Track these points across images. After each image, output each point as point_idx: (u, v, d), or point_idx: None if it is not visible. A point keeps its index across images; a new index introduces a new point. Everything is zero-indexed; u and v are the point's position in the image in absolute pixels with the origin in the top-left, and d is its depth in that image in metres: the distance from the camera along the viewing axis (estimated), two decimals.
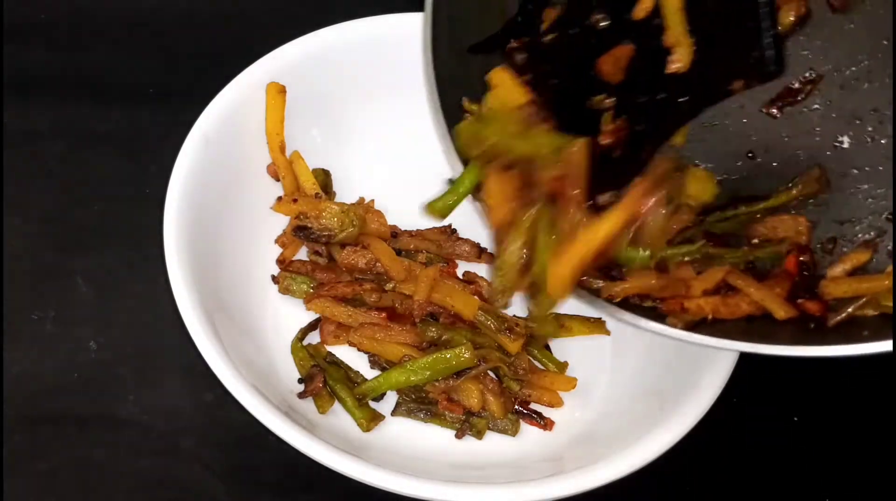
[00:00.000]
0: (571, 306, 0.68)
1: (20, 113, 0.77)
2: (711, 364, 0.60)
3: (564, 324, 0.68)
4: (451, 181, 0.59)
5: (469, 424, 0.63)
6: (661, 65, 0.56)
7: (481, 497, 0.55)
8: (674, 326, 0.55)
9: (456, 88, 0.60)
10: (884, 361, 0.70)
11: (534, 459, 0.63)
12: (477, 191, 0.57)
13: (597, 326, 0.68)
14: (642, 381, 0.65)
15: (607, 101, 0.57)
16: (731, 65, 0.56)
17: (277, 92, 0.69)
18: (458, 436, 0.63)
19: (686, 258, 0.56)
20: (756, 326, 0.55)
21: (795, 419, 0.68)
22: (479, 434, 0.64)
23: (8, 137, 0.75)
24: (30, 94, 0.78)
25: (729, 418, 0.61)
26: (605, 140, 0.57)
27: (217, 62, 0.73)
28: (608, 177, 0.55)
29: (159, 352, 0.67)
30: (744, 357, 0.60)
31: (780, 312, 0.54)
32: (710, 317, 0.55)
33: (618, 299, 0.56)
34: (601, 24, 0.57)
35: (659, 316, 0.56)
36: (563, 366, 0.67)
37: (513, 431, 0.64)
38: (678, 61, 0.56)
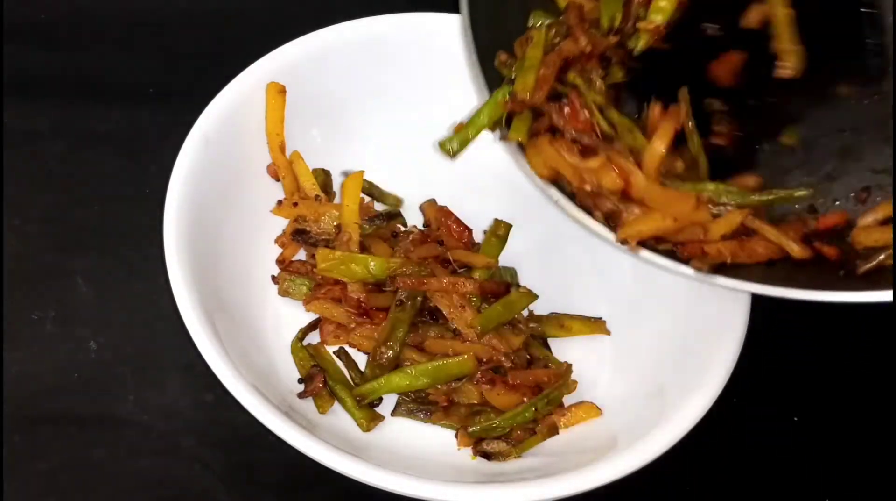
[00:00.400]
0: (573, 306, 0.69)
1: (20, 113, 0.77)
2: (711, 364, 0.60)
3: (564, 324, 0.68)
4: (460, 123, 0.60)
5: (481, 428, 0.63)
6: (769, 71, 0.59)
7: (481, 497, 0.55)
8: (699, 269, 0.55)
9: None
10: (884, 361, 0.71)
11: (533, 459, 0.63)
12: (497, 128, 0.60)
13: (597, 326, 0.68)
14: (642, 381, 0.65)
15: (716, 103, 0.59)
16: (836, 70, 0.59)
17: (277, 92, 0.69)
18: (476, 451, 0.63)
19: (724, 201, 0.57)
20: (779, 271, 0.55)
21: (795, 419, 0.68)
22: (502, 456, 0.63)
23: (8, 137, 0.75)
24: (30, 94, 0.78)
25: (729, 418, 0.61)
26: (717, 141, 0.59)
27: (217, 62, 0.73)
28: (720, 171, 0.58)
29: (159, 352, 0.67)
30: (744, 357, 0.60)
31: (796, 249, 0.54)
32: (728, 261, 0.55)
33: (634, 242, 0.56)
34: (710, 32, 0.61)
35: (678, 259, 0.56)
36: (565, 369, 0.66)
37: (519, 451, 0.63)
38: (789, 68, 0.59)
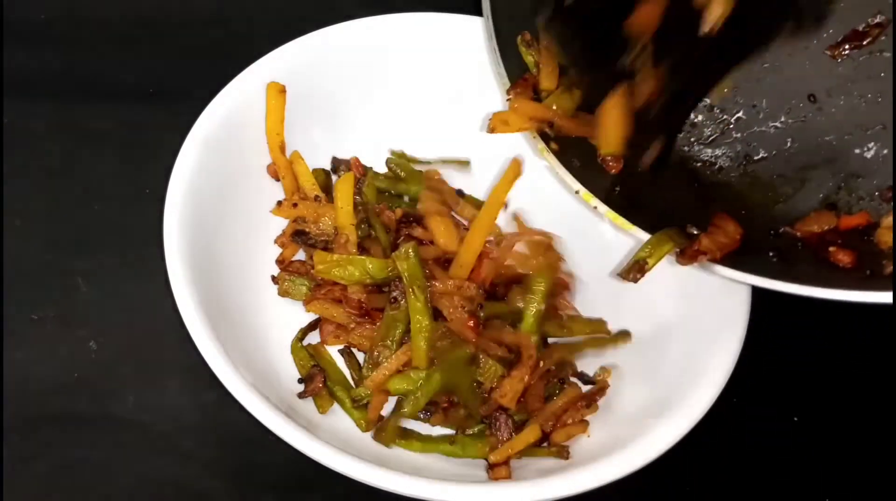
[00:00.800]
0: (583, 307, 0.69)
1: (20, 113, 0.77)
2: (712, 364, 0.60)
3: (565, 324, 0.68)
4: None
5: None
6: (694, 23, 0.56)
7: (481, 497, 0.55)
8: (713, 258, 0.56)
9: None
10: (884, 361, 0.71)
11: (533, 459, 0.63)
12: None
13: (597, 326, 0.68)
14: (642, 381, 0.65)
15: (637, 60, 0.57)
16: (769, 17, 0.56)
17: (277, 92, 0.69)
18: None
19: None
20: (800, 268, 0.55)
21: (795, 419, 0.68)
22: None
23: (8, 137, 0.75)
24: (30, 94, 0.78)
25: (729, 418, 0.61)
26: (640, 101, 0.58)
27: (217, 62, 0.73)
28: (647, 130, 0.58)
29: (159, 352, 0.67)
30: (744, 357, 0.60)
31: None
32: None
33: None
34: None
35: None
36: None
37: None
38: (712, 20, 0.56)
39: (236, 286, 0.66)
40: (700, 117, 0.62)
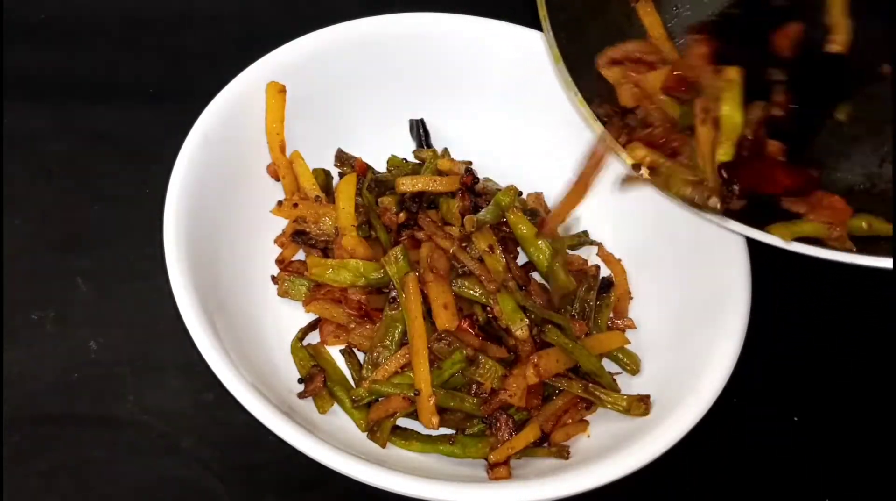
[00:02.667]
0: None
1: (20, 113, 0.77)
2: (711, 365, 0.60)
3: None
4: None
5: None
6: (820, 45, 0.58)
7: (481, 497, 0.55)
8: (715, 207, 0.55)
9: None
10: (884, 361, 0.71)
11: (532, 459, 0.63)
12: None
13: (618, 340, 0.68)
14: (642, 381, 0.65)
15: (777, 73, 0.59)
16: (884, 49, 0.57)
17: (277, 92, 0.69)
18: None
19: None
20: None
21: (795, 419, 0.68)
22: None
23: (8, 137, 0.75)
24: (30, 94, 0.78)
25: (729, 418, 0.61)
26: (774, 111, 0.58)
27: (217, 62, 0.73)
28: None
29: (159, 352, 0.67)
30: (744, 357, 0.60)
31: None
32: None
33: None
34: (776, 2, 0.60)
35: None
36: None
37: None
38: (838, 42, 0.57)
39: (236, 286, 0.66)
40: None
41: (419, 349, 0.61)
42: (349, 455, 0.55)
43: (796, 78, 0.59)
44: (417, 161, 0.73)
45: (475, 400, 0.62)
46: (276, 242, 0.70)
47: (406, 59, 0.73)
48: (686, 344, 0.64)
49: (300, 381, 0.65)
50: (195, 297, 0.59)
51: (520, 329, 0.62)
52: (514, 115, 0.75)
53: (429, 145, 0.74)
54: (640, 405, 0.61)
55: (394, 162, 0.73)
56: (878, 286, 0.61)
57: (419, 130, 0.74)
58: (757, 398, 0.67)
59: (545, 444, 0.63)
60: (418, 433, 0.63)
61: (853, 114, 0.59)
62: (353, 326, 0.66)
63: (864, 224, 0.55)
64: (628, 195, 0.61)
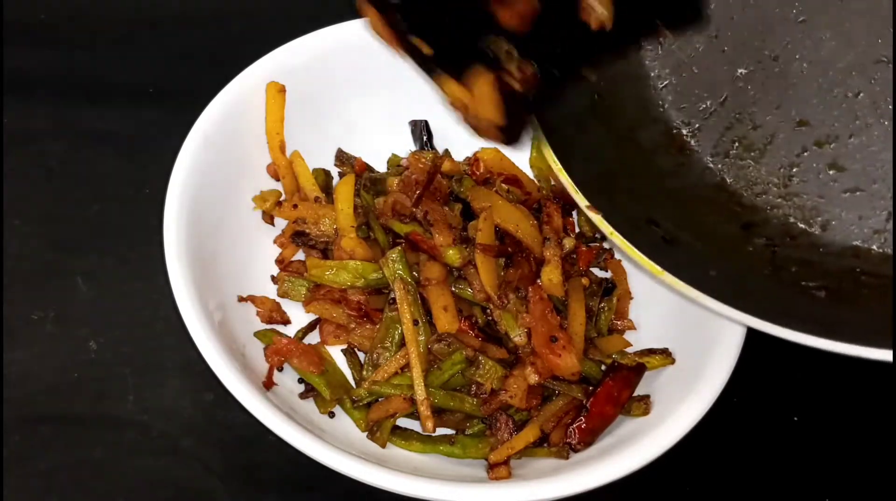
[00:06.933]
0: None
1: (20, 113, 0.77)
2: (711, 365, 0.60)
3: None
4: None
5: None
6: (575, 18, 0.55)
7: (481, 497, 0.55)
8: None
9: None
10: (883, 361, 0.70)
11: (532, 459, 0.63)
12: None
13: (620, 343, 0.68)
14: (643, 381, 0.65)
15: (507, 46, 0.56)
16: (649, 12, 0.55)
17: (277, 92, 0.69)
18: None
19: None
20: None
21: (795, 419, 0.68)
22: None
23: (8, 137, 0.75)
24: (30, 94, 0.78)
25: (729, 418, 0.61)
26: (513, 83, 0.56)
27: (217, 62, 0.73)
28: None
29: (159, 352, 0.67)
30: (744, 357, 0.60)
31: None
32: None
33: None
34: None
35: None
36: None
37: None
38: (601, 17, 0.54)
39: (237, 286, 0.66)
40: None
41: (413, 355, 0.61)
42: (349, 455, 0.55)
43: (532, 50, 0.55)
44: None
45: (475, 401, 0.62)
46: (275, 242, 0.70)
47: (406, 59, 0.73)
48: (686, 344, 0.64)
49: (300, 381, 0.65)
50: (195, 297, 0.59)
51: (518, 336, 0.62)
52: None
53: (431, 147, 0.74)
54: (640, 405, 0.62)
55: (394, 162, 0.73)
56: None
57: (422, 132, 0.74)
58: (757, 398, 0.68)
59: (545, 444, 0.63)
60: (418, 433, 0.63)
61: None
62: (353, 326, 0.66)
63: None
64: None
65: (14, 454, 0.63)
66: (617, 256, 0.71)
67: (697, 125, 0.62)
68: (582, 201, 0.58)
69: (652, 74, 0.61)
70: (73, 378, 0.66)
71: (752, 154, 0.60)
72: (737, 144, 0.61)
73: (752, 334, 0.61)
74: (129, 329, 0.68)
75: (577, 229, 0.72)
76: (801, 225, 0.59)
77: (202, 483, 0.63)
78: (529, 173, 0.72)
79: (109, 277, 0.70)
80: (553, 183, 0.73)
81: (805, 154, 0.59)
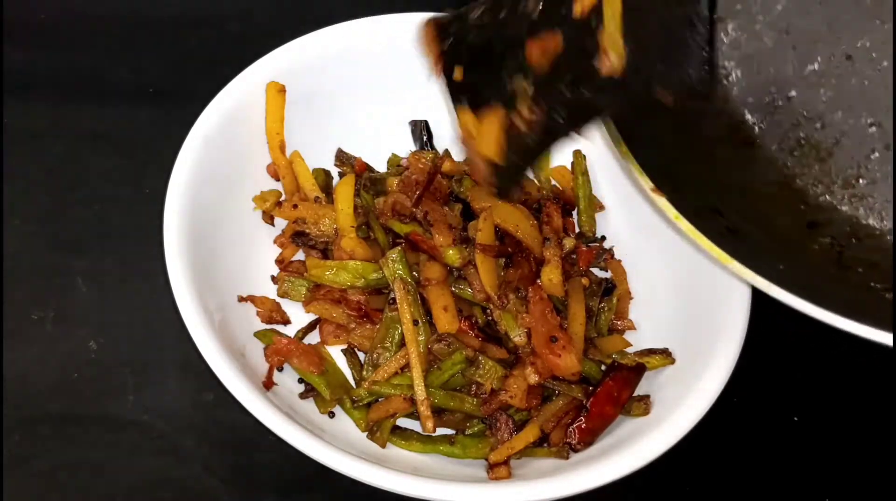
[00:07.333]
0: None
1: (20, 113, 0.77)
2: (711, 365, 0.60)
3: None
4: None
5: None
6: (589, 64, 0.54)
7: (481, 497, 0.55)
8: None
9: None
10: (884, 361, 0.71)
11: (532, 459, 0.63)
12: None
13: (620, 343, 0.68)
14: (642, 381, 0.65)
15: (525, 84, 0.56)
16: (660, 77, 0.54)
17: (277, 92, 0.69)
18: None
19: None
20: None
21: (795, 419, 0.68)
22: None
23: (8, 137, 0.75)
24: (30, 94, 0.78)
25: (729, 418, 0.61)
26: (518, 123, 0.57)
27: (217, 62, 0.73)
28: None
29: (159, 352, 0.67)
30: (744, 357, 0.60)
31: None
32: None
33: None
34: (535, 11, 0.56)
35: None
36: None
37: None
38: (611, 65, 0.54)
39: (236, 286, 0.66)
40: None
41: (413, 355, 0.61)
42: (349, 455, 0.55)
43: (546, 92, 0.56)
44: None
45: (475, 401, 0.62)
46: (275, 242, 0.70)
47: (406, 59, 0.73)
48: (686, 344, 0.64)
49: (300, 381, 0.65)
50: (195, 297, 0.59)
51: (518, 336, 0.62)
52: None
53: (432, 147, 0.74)
54: (640, 405, 0.62)
55: (394, 162, 0.73)
56: None
57: (422, 132, 0.74)
58: (757, 398, 0.68)
59: (545, 444, 0.63)
60: (418, 433, 0.63)
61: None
62: (353, 326, 0.66)
63: None
64: (628, 196, 0.61)
65: (14, 454, 0.63)
66: (617, 256, 0.71)
67: (763, 120, 0.62)
68: (647, 183, 0.56)
69: (718, 66, 0.60)
70: (73, 378, 0.66)
71: (819, 153, 0.60)
72: (803, 141, 0.60)
73: (752, 334, 0.61)
74: (129, 329, 0.68)
75: (577, 229, 0.72)
76: (868, 227, 0.58)
77: (202, 483, 0.63)
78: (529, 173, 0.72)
79: (109, 277, 0.70)
80: (554, 183, 0.73)
81: (874, 156, 0.58)
